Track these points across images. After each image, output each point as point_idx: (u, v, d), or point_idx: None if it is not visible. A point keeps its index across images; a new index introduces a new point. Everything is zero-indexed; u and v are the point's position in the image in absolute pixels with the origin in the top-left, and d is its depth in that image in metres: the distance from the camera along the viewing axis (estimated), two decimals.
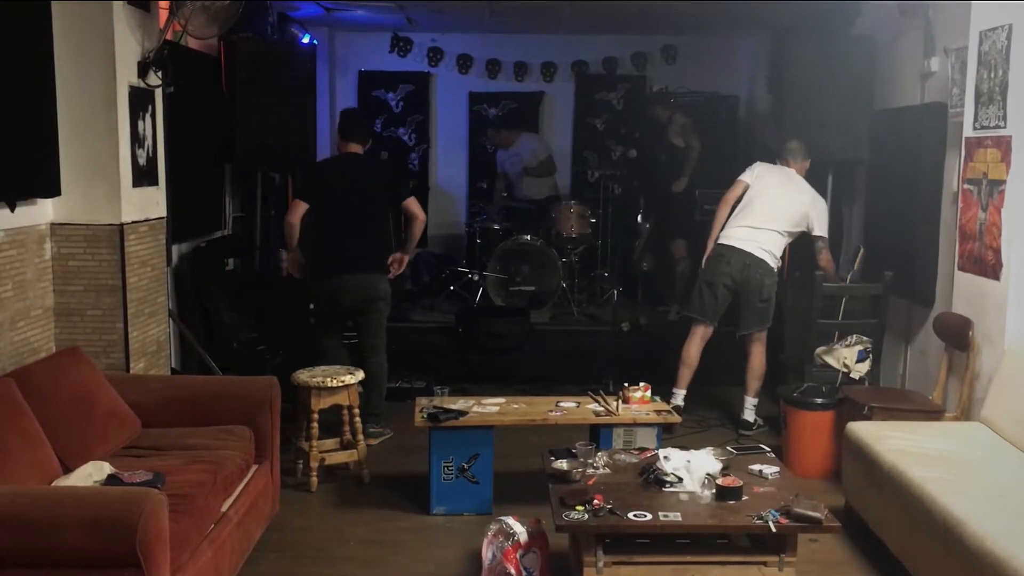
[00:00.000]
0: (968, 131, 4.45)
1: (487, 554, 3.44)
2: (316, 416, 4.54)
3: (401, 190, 5.35)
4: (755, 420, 5.52)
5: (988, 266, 4.23)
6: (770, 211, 5.34)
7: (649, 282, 8.40)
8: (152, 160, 4.68)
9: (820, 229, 5.40)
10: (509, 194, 8.59)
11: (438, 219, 9.42)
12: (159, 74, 4.62)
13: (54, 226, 4.30)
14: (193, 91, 5.69)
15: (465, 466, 4.25)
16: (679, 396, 5.46)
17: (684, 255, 7.55)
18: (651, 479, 3.46)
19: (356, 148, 5.33)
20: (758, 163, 5.56)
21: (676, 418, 4.48)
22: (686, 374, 5.49)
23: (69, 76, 4.19)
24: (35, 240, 4.17)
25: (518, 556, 3.38)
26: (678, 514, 3.21)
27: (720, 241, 5.41)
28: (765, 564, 3.25)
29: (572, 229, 7.94)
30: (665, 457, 3.52)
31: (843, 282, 5.47)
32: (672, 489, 3.40)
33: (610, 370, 5.40)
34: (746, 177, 5.46)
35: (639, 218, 8.43)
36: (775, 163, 5.53)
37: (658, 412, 4.37)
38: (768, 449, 3.93)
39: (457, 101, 9.31)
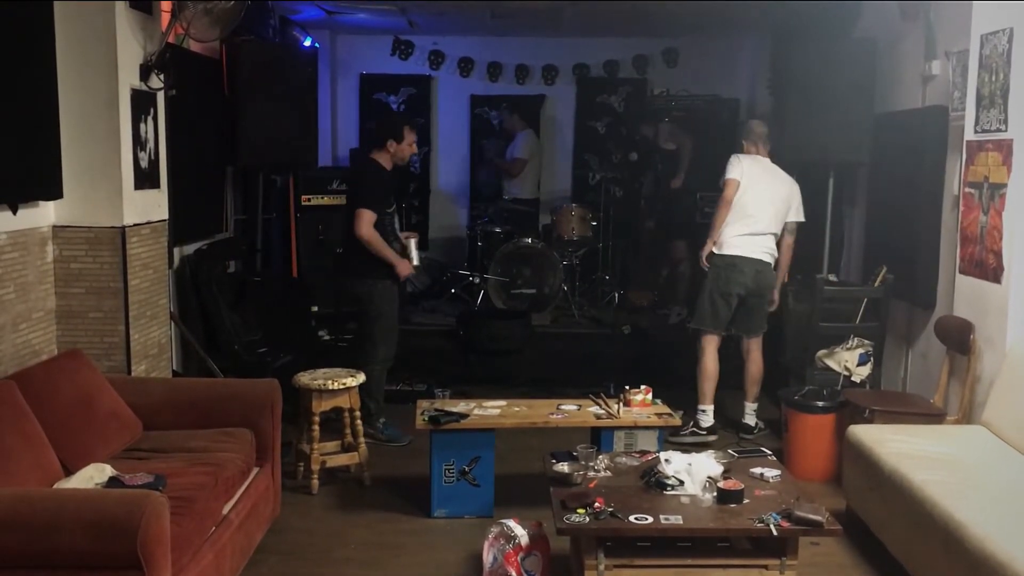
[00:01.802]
0: (969, 134, 4.45)
1: (488, 557, 3.45)
2: (317, 419, 4.54)
3: (354, 199, 5.29)
4: (756, 424, 5.52)
5: (989, 269, 4.23)
6: (768, 215, 5.31)
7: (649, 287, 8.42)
8: (154, 163, 4.69)
9: (797, 215, 5.43)
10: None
11: (439, 222, 9.43)
12: (161, 77, 4.62)
13: (56, 228, 4.31)
14: (195, 94, 5.70)
15: (466, 469, 4.25)
16: (710, 413, 5.39)
17: (684, 256, 7.56)
18: (652, 482, 3.46)
19: (376, 155, 5.30)
20: (737, 157, 5.41)
21: (677, 421, 4.47)
22: (710, 388, 5.40)
23: (71, 79, 4.20)
24: (37, 242, 4.17)
25: (519, 559, 3.39)
26: (679, 517, 3.21)
27: (730, 252, 5.29)
28: (766, 567, 3.25)
29: (573, 232, 7.95)
30: (666, 460, 3.52)
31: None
32: (673, 492, 3.40)
33: (611, 373, 5.40)
34: (735, 174, 5.32)
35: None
36: (744, 150, 5.44)
37: (659, 415, 4.37)
38: (769, 452, 3.93)
39: (458, 104, 9.32)
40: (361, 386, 4.76)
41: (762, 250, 5.32)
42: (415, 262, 5.35)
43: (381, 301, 5.22)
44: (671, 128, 7.95)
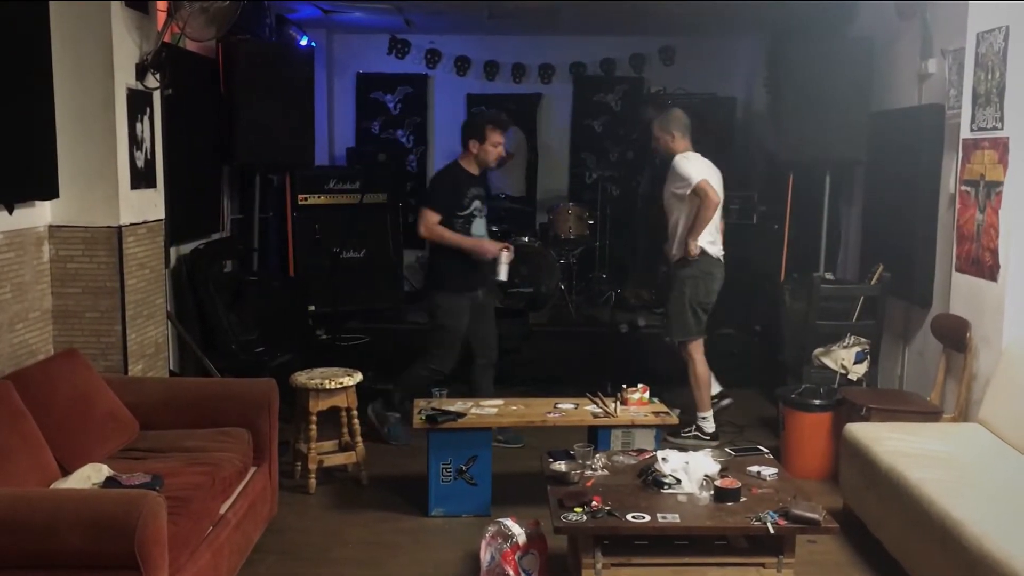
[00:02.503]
0: (965, 132, 4.45)
1: (485, 556, 3.44)
2: (314, 418, 4.54)
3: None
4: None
5: (985, 267, 4.24)
6: (719, 214, 5.22)
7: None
8: (150, 162, 4.68)
9: None
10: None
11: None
12: (157, 76, 4.62)
13: (52, 228, 4.30)
14: (191, 93, 5.70)
15: (463, 468, 4.25)
16: (711, 418, 5.33)
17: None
18: (649, 480, 3.46)
19: (461, 158, 5.10)
20: (685, 156, 5.19)
21: (674, 419, 4.48)
22: (708, 393, 5.33)
23: (67, 78, 4.19)
24: (33, 242, 4.17)
25: (516, 558, 3.38)
26: (676, 515, 3.21)
27: (706, 261, 5.20)
28: (763, 565, 3.25)
29: (570, 230, 7.95)
30: (663, 458, 3.52)
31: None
32: (670, 490, 3.40)
33: (608, 371, 5.40)
34: (701, 174, 5.10)
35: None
36: (673, 144, 5.25)
37: (656, 413, 4.37)
38: (766, 450, 3.94)
39: (455, 103, 9.31)
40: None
41: (721, 252, 5.28)
42: (502, 277, 5.13)
43: (443, 315, 5.05)
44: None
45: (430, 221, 4.96)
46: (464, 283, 5.07)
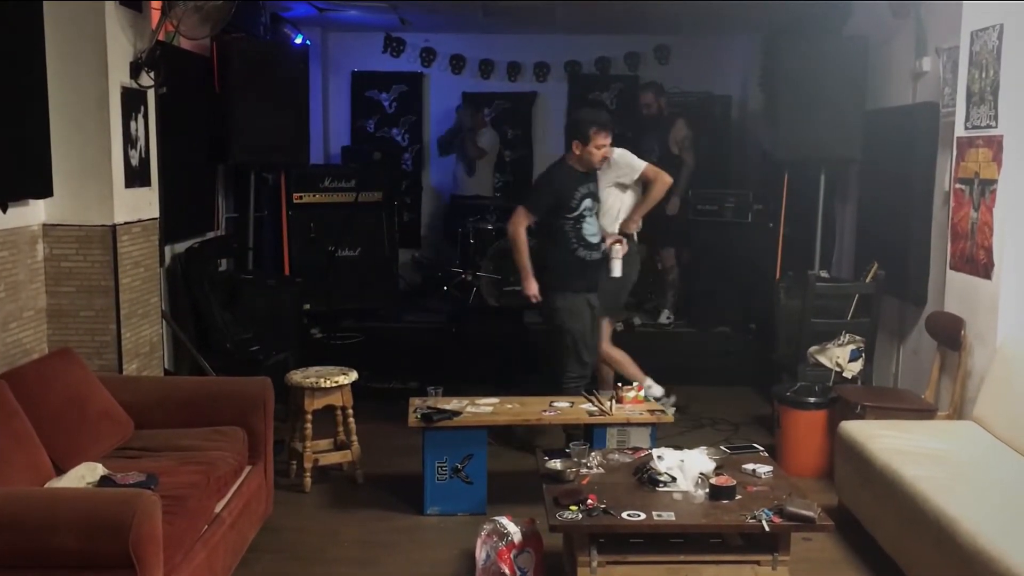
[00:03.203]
0: (960, 131, 4.46)
1: (481, 554, 3.45)
2: (310, 417, 4.54)
3: None
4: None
5: (980, 265, 4.25)
6: None
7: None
8: (145, 161, 4.67)
9: None
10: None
11: (430, 220, 9.41)
12: (151, 74, 4.61)
13: (46, 227, 4.29)
14: (186, 91, 5.69)
15: (459, 466, 4.25)
16: (653, 382, 5.31)
17: (673, 263, 7.44)
18: (645, 478, 3.46)
19: (568, 156, 4.93)
20: (622, 150, 5.27)
21: (669, 418, 4.49)
22: (634, 367, 5.35)
23: (61, 77, 4.18)
24: (27, 241, 4.16)
25: (512, 556, 3.39)
26: (672, 513, 3.22)
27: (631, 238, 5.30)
28: (759, 563, 3.26)
29: None
30: (659, 456, 3.53)
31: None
32: (666, 488, 3.40)
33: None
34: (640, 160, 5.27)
35: None
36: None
37: (651, 412, 4.38)
38: (761, 448, 3.94)
39: (450, 101, 9.29)
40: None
41: None
42: (615, 272, 5.01)
43: (564, 317, 4.88)
44: (686, 135, 7.39)
45: (519, 221, 4.85)
46: (583, 283, 4.91)
